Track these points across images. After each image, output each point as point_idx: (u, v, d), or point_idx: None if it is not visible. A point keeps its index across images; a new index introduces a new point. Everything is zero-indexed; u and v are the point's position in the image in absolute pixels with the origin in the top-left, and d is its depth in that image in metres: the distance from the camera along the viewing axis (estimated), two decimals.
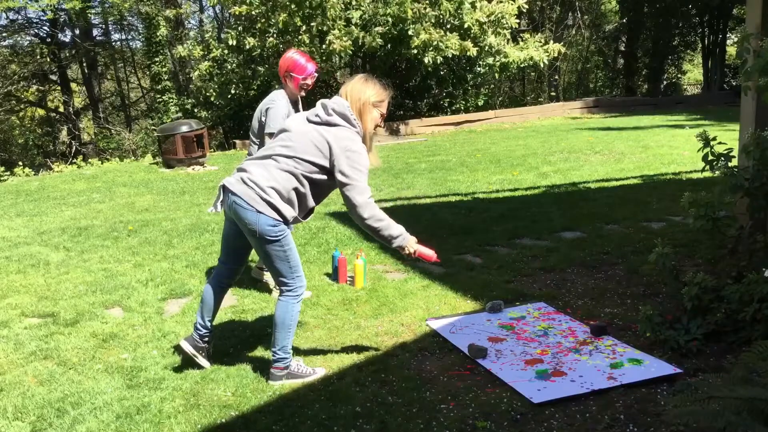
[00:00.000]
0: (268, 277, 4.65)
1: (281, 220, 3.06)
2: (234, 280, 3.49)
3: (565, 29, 22.49)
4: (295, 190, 3.09)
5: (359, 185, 3.04)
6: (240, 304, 4.37)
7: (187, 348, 3.36)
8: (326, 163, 3.07)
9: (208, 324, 3.41)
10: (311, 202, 3.18)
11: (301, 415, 2.92)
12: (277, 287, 3.32)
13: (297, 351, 3.59)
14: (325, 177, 3.11)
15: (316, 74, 4.32)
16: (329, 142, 3.05)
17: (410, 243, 3.17)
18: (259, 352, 3.62)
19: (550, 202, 6.86)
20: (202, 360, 3.39)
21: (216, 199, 3.22)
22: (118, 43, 23.94)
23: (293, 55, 4.26)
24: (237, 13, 14.21)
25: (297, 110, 4.38)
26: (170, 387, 3.24)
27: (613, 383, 3.04)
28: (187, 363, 3.42)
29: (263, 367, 3.40)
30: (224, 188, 3.14)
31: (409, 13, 13.69)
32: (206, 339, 3.42)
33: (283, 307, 3.19)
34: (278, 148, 3.12)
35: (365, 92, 3.14)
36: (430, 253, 3.24)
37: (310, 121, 3.15)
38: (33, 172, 12.95)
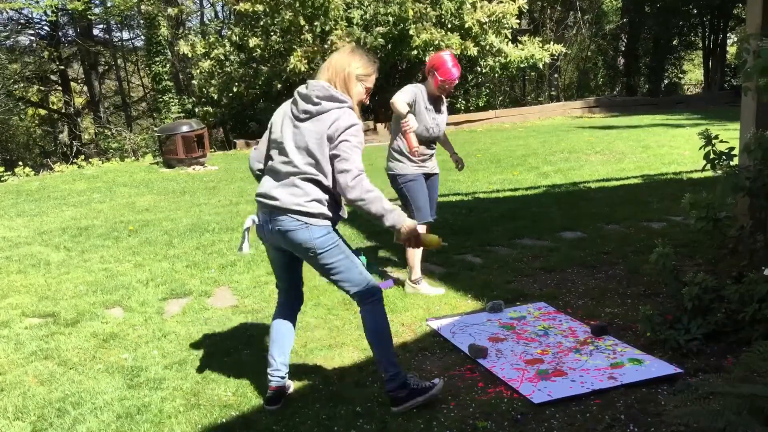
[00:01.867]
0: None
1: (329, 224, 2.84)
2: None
3: (565, 29, 22.48)
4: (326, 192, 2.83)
5: (352, 163, 2.73)
6: (240, 305, 4.38)
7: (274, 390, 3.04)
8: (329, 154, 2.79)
9: (287, 361, 3.08)
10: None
11: (301, 415, 2.92)
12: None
13: (298, 353, 3.59)
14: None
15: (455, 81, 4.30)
16: (328, 132, 2.75)
17: (407, 222, 2.78)
18: (260, 352, 3.61)
19: (550, 202, 6.86)
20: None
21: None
22: (119, 42, 23.96)
23: (444, 56, 4.23)
24: (242, 10, 14.21)
25: (438, 109, 4.40)
26: (171, 387, 3.24)
27: (613, 383, 3.04)
28: (185, 364, 3.42)
29: (264, 368, 3.40)
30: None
31: (410, 12, 13.70)
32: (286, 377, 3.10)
33: (371, 318, 2.92)
34: (289, 166, 2.80)
35: (351, 63, 2.87)
36: (431, 237, 2.90)
37: (299, 120, 2.82)
38: (33, 172, 12.95)
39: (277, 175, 2.85)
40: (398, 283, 4.59)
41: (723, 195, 3.67)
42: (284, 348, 3.06)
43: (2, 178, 11.91)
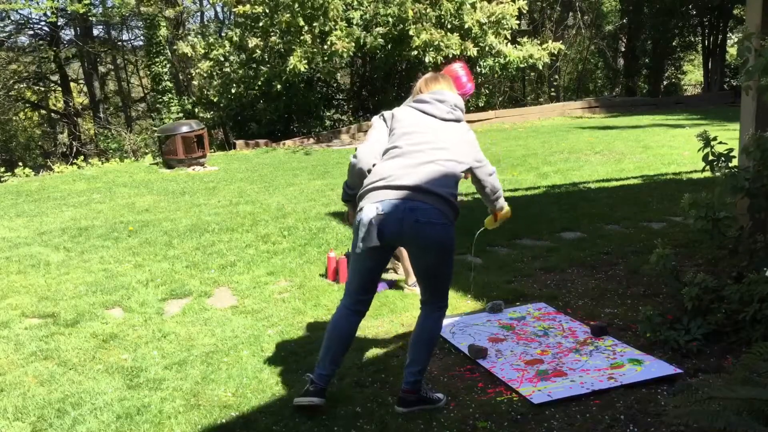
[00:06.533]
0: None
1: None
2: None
3: (565, 29, 22.49)
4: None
5: (486, 161, 3.15)
6: (240, 305, 4.38)
7: (317, 401, 2.90)
8: (468, 160, 3.01)
9: (336, 368, 3.00)
10: None
11: (301, 415, 2.92)
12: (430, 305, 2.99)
13: (298, 353, 3.60)
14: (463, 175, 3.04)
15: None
16: (465, 138, 3.01)
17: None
18: (260, 352, 3.62)
19: (550, 202, 6.86)
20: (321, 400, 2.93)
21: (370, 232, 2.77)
22: (119, 43, 23.95)
23: (458, 69, 3.99)
24: (240, 12, 14.22)
25: None
26: (170, 387, 3.24)
27: (613, 383, 3.04)
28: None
29: (264, 368, 3.40)
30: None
31: (410, 13, 13.70)
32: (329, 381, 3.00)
33: (436, 324, 2.98)
34: (435, 152, 2.88)
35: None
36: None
37: (444, 120, 2.99)
38: (33, 173, 12.95)
39: (414, 160, 2.86)
40: (396, 284, 4.59)
41: (722, 196, 3.68)
42: (342, 354, 2.99)
43: (2, 179, 11.91)
